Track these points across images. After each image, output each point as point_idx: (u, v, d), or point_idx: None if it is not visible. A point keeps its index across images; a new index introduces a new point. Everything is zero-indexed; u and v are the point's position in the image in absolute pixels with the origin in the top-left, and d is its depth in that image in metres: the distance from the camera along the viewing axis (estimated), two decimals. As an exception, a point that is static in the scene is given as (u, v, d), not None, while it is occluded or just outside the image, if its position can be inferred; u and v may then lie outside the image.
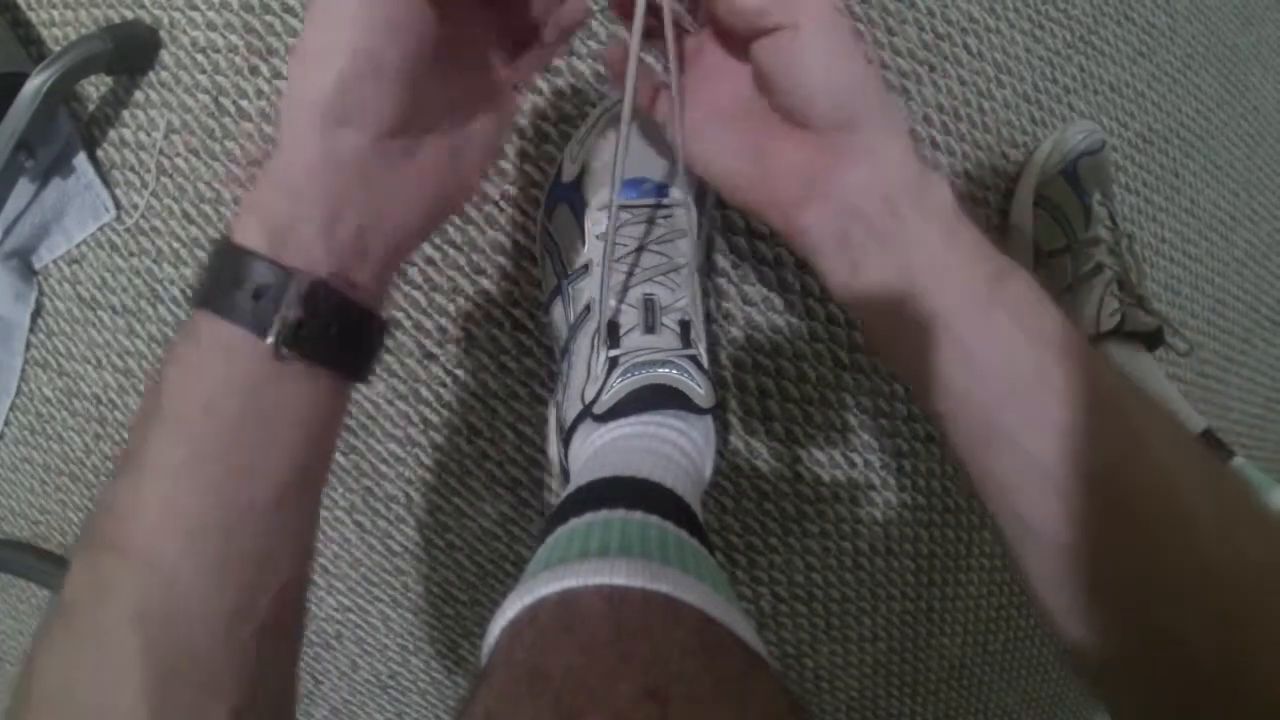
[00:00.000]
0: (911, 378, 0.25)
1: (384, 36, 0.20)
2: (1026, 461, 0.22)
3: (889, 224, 0.23)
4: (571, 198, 0.38)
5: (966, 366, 0.23)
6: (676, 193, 0.37)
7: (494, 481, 0.48)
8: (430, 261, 0.44)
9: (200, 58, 0.43)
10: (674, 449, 0.32)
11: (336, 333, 0.22)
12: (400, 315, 0.45)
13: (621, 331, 0.35)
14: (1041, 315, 0.23)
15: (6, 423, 0.51)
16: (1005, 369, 0.22)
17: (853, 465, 0.50)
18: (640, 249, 0.36)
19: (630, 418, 0.33)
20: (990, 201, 0.49)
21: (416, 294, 0.44)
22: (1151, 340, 0.43)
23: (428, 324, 0.45)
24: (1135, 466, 0.22)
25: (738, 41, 0.24)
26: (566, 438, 0.36)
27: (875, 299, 0.24)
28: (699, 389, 0.34)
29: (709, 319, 0.46)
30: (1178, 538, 0.21)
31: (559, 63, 0.42)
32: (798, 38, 0.22)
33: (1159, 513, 0.21)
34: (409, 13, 0.20)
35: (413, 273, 0.44)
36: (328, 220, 0.21)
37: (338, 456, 0.48)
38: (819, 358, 0.48)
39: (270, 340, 0.20)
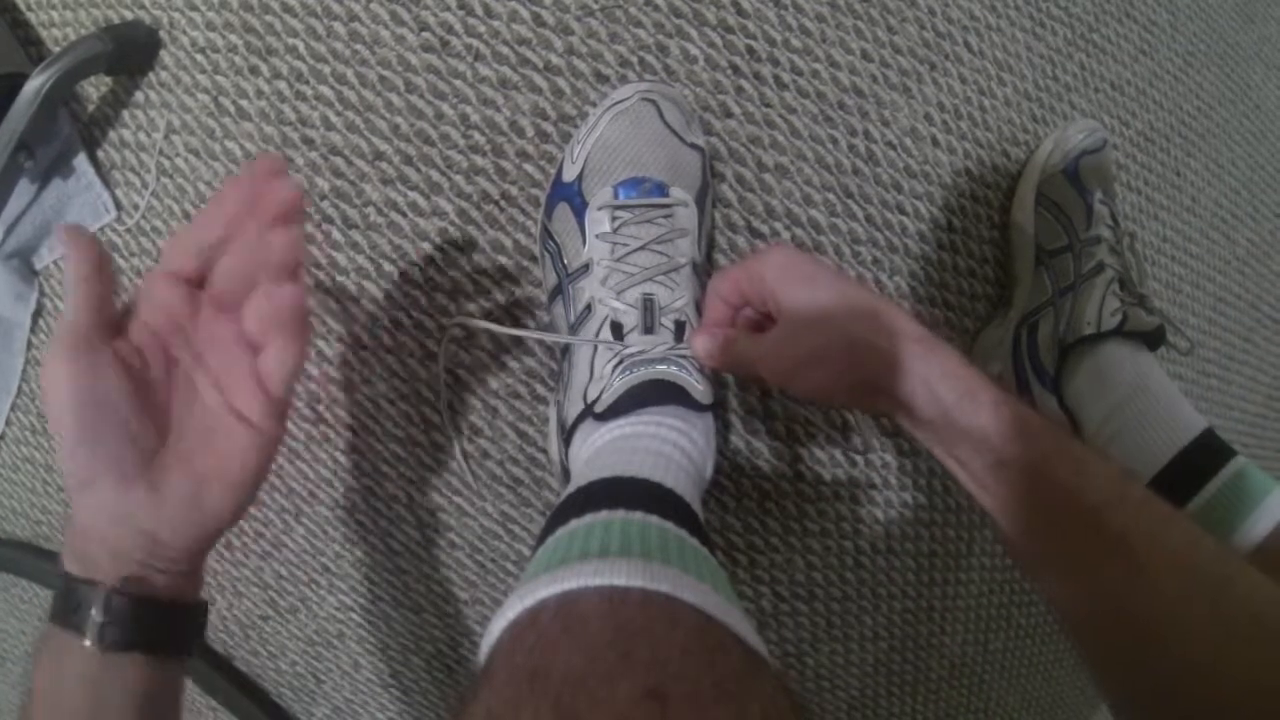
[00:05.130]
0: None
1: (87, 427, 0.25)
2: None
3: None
4: (572, 197, 0.38)
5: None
6: (677, 192, 0.37)
7: (495, 481, 0.48)
8: (430, 261, 0.44)
9: (200, 58, 0.43)
10: (674, 449, 0.32)
11: (143, 625, 0.27)
12: (401, 315, 0.45)
13: (623, 331, 0.35)
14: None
15: (8, 423, 0.52)
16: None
17: (853, 464, 0.50)
18: (640, 248, 0.36)
19: (631, 416, 0.33)
20: (991, 200, 0.49)
21: (417, 293, 0.44)
22: (1153, 339, 0.43)
23: (428, 324, 0.45)
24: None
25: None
26: (567, 437, 0.37)
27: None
28: (698, 385, 0.34)
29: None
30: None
31: (559, 61, 0.42)
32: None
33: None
34: (94, 396, 0.25)
35: (413, 272, 0.44)
36: (112, 548, 0.26)
37: (339, 456, 0.48)
38: (819, 357, 0.47)
39: (87, 642, 0.26)
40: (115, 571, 0.26)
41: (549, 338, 0.41)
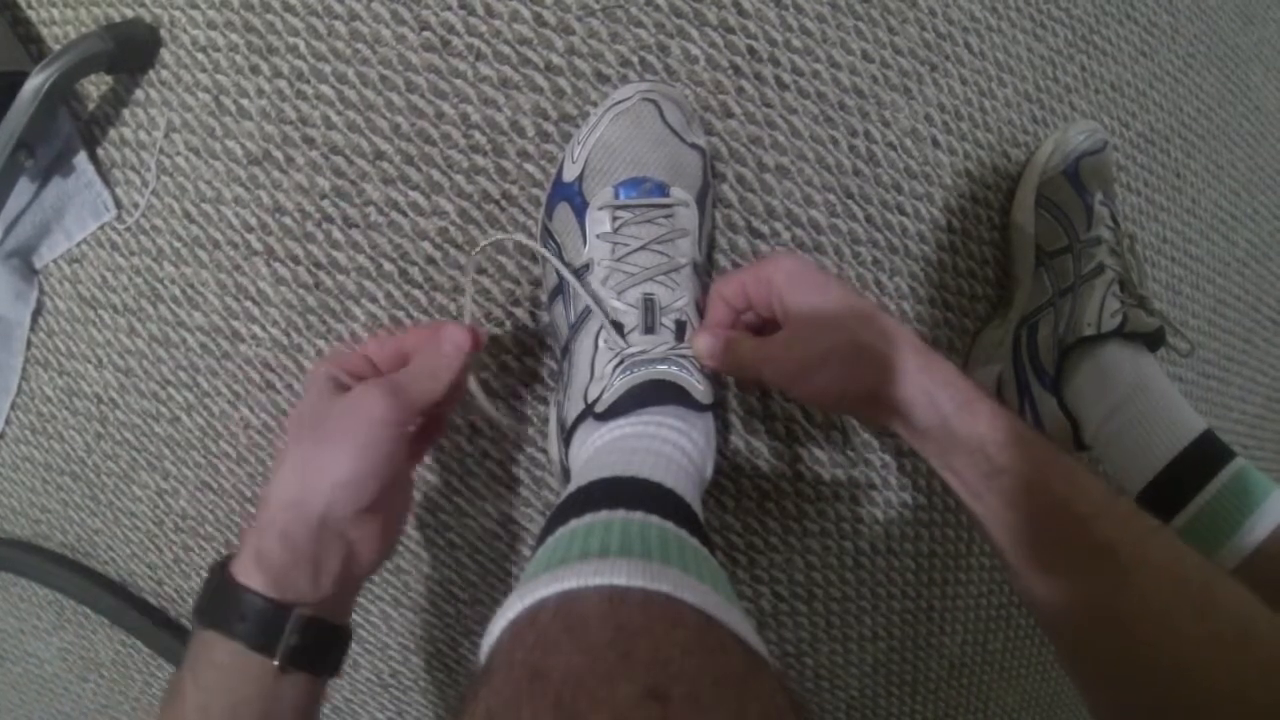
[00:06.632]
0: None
1: (371, 472, 0.30)
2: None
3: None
4: (573, 197, 0.38)
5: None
6: (678, 191, 0.37)
7: (495, 480, 0.48)
8: (431, 261, 0.44)
9: (200, 56, 0.43)
10: (674, 449, 0.32)
11: (321, 648, 0.30)
12: (401, 315, 0.45)
13: (624, 331, 0.35)
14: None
15: (7, 422, 0.52)
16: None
17: (853, 465, 0.50)
18: (641, 248, 0.36)
19: (631, 416, 0.33)
20: (991, 201, 0.49)
21: (418, 293, 0.44)
22: (1153, 340, 0.43)
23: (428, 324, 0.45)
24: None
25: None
26: (567, 437, 0.36)
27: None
28: (698, 385, 0.34)
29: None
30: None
31: (560, 60, 0.42)
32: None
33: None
34: (390, 454, 0.30)
35: (414, 272, 0.44)
36: (315, 570, 0.30)
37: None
38: (820, 357, 0.48)
39: (276, 662, 0.28)
40: (314, 594, 0.30)
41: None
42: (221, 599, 0.29)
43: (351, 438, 0.29)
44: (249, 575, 0.29)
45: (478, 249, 0.39)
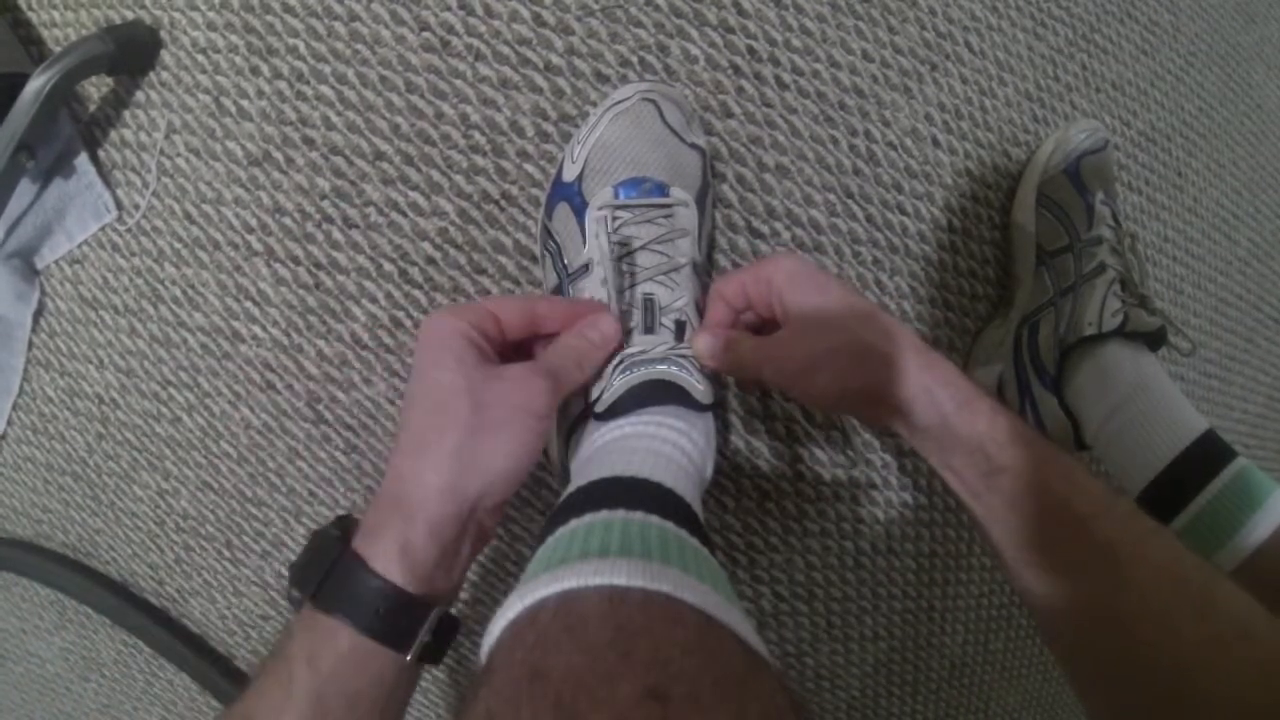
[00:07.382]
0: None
1: (527, 464, 0.30)
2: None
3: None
4: (572, 197, 0.38)
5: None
6: (677, 191, 0.37)
7: (495, 481, 0.48)
8: (431, 261, 0.44)
9: (201, 58, 0.43)
10: (675, 449, 0.32)
11: (445, 643, 0.29)
12: (401, 315, 0.45)
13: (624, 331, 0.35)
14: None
15: (9, 422, 0.52)
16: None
17: (853, 464, 0.50)
18: (641, 248, 0.36)
19: (631, 416, 0.33)
20: (992, 200, 0.49)
21: (418, 293, 0.44)
22: (1154, 340, 0.43)
23: (429, 323, 0.45)
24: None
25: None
26: (567, 437, 0.36)
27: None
28: (698, 385, 0.34)
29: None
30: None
31: (559, 61, 0.42)
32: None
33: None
34: (540, 444, 0.30)
35: (414, 273, 0.44)
36: (454, 562, 0.29)
37: (339, 456, 0.48)
38: (820, 357, 0.47)
39: (409, 659, 0.27)
40: (447, 586, 0.29)
41: None
42: (352, 587, 0.27)
43: (514, 428, 0.28)
44: (390, 568, 0.27)
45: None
